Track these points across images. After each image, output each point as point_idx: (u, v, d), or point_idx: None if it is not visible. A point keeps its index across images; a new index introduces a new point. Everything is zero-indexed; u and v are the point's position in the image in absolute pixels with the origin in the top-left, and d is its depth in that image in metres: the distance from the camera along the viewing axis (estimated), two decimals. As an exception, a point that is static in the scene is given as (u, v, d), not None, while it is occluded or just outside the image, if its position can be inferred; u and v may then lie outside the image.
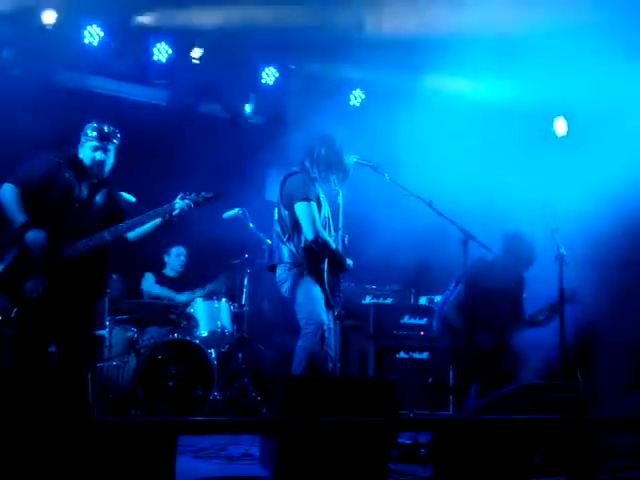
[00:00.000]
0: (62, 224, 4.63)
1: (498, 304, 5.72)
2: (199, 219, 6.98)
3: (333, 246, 4.96)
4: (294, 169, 5.10)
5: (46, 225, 4.57)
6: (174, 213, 4.84)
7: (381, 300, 6.95)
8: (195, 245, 7.36)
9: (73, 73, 7.18)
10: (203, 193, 4.98)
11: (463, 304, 5.42)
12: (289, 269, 4.92)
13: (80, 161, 4.80)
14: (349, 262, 5.06)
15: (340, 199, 5.14)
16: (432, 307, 6.71)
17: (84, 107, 4.94)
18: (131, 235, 4.87)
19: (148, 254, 6.86)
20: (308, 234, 4.85)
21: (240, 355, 6.80)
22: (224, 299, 6.78)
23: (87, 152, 4.78)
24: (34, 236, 4.51)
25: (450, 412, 6.26)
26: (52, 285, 4.55)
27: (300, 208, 4.89)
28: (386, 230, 6.96)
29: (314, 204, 4.90)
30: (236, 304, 6.91)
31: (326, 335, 4.80)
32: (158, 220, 4.85)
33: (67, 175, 4.71)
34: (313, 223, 4.85)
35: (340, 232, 5.12)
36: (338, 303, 5.08)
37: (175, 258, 7.29)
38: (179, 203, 4.86)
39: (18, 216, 4.55)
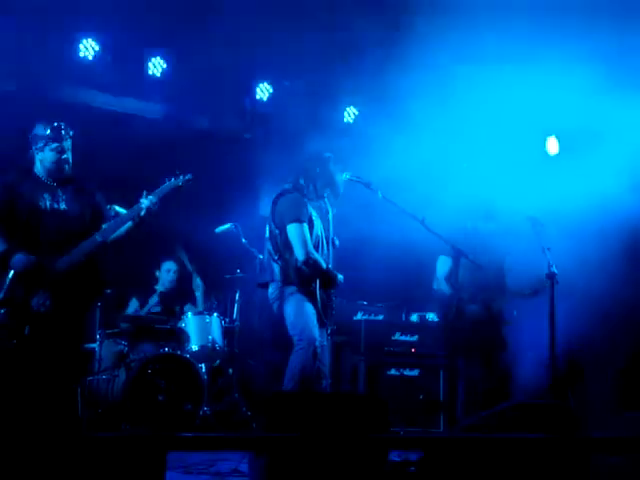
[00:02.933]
0: (42, 238, 4.58)
1: (482, 277, 5.68)
2: (192, 233, 7.03)
3: (324, 266, 4.98)
4: (286, 187, 5.12)
5: (28, 246, 4.53)
6: (141, 214, 4.72)
7: (372, 317, 6.94)
8: (187, 259, 7.32)
9: (68, 87, 7.20)
10: (181, 177, 4.88)
11: (449, 277, 5.50)
12: (281, 287, 4.94)
13: (32, 170, 4.72)
14: (340, 278, 5.07)
15: (330, 216, 5.15)
16: (423, 324, 6.72)
17: (78, 121, 4.88)
18: (109, 239, 4.78)
19: (137, 269, 6.88)
20: (299, 255, 4.88)
21: (231, 370, 6.79)
22: (215, 314, 6.76)
23: (49, 155, 4.65)
24: (16, 261, 4.48)
25: (440, 430, 6.24)
26: (54, 299, 4.54)
27: (292, 229, 4.92)
28: (378, 247, 7.00)
29: (305, 225, 4.93)
30: (227, 319, 6.89)
31: (318, 351, 4.81)
32: (130, 223, 4.77)
33: (25, 190, 4.62)
34: (304, 245, 4.88)
35: (331, 245, 5.12)
36: (331, 319, 5.10)
37: (165, 274, 7.23)
38: (144, 202, 4.74)
39: None
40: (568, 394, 5.61)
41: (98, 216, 4.83)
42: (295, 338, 4.85)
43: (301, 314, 4.87)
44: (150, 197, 4.76)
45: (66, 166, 4.71)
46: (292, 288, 4.92)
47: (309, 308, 4.89)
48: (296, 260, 4.89)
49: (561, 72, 6.48)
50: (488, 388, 5.86)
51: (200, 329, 6.64)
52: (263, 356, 7.27)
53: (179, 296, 7.21)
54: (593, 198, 6.62)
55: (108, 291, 5.89)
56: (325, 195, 5.12)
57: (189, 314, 6.70)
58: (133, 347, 6.45)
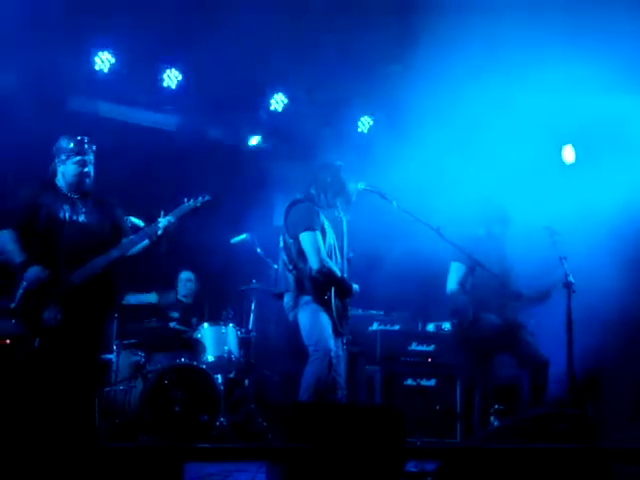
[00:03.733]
0: (60, 250, 4.62)
1: (496, 284, 5.65)
2: (207, 244, 7.05)
3: (339, 274, 4.97)
4: (298, 197, 5.13)
5: (45, 257, 4.58)
6: (159, 233, 4.78)
7: (388, 327, 6.91)
8: (203, 270, 7.38)
9: (84, 99, 7.25)
10: (200, 198, 4.95)
11: (462, 283, 5.55)
12: (296, 297, 4.94)
13: (54, 182, 4.78)
14: (355, 288, 5.07)
15: (344, 225, 5.14)
16: (440, 334, 6.69)
17: (94, 133, 4.93)
18: (127, 254, 4.83)
19: (157, 276, 6.91)
20: (313, 264, 4.87)
21: (247, 381, 6.79)
22: (231, 324, 6.78)
23: (72, 168, 4.73)
24: (31, 274, 4.52)
25: (457, 440, 6.21)
26: (67, 312, 4.57)
27: (305, 238, 4.92)
28: (393, 257, 6.99)
29: (318, 234, 4.92)
30: (243, 329, 6.90)
31: (334, 362, 4.79)
32: (146, 241, 4.82)
33: (45, 201, 4.69)
34: (318, 253, 4.87)
35: (345, 258, 5.11)
36: (346, 329, 5.08)
37: (182, 284, 7.29)
38: (162, 222, 4.81)
39: (16, 257, 4.57)
40: (586, 404, 5.56)
41: (117, 230, 4.89)
42: (310, 348, 4.84)
43: (316, 324, 4.85)
44: (168, 217, 4.83)
45: (87, 179, 4.79)
46: (307, 298, 4.91)
47: (324, 318, 4.87)
48: (310, 269, 4.89)
49: (577, 79, 6.45)
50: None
51: (216, 340, 6.64)
52: (279, 366, 7.26)
53: (196, 307, 7.23)
54: (610, 207, 6.60)
55: (123, 302, 5.95)
56: (337, 204, 5.12)
57: (205, 325, 6.71)
58: (150, 358, 6.46)
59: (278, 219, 7.70)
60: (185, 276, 7.29)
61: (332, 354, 4.78)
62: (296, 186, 5.34)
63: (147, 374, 6.20)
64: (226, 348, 6.62)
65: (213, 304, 7.32)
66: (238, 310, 7.10)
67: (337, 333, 4.95)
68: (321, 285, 4.89)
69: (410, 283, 7.31)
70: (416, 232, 5.66)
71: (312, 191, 5.11)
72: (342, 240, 5.13)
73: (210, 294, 7.43)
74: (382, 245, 6.99)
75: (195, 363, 6.36)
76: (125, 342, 6.45)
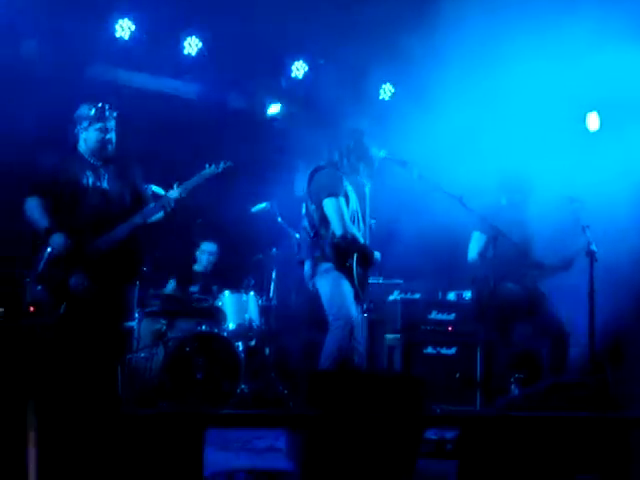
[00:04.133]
0: (83, 218, 4.68)
1: (517, 253, 5.63)
2: (228, 213, 7.06)
3: (361, 241, 4.97)
4: (321, 164, 5.12)
5: (70, 223, 4.64)
6: (171, 204, 4.81)
7: (409, 295, 6.92)
8: (224, 239, 7.39)
9: (104, 67, 7.24)
10: (222, 163, 4.98)
11: (483, 253, 5.53)
12: (317, 264, 4.94)
13: (76, 149, 4.81)
14: (377, 255, 5.06)
15: (367, 191, 5.12)
16: (460, 302, 6.68)
17: (114, 101, 4.94)
18: (148, 221, 4.87)
19: (176, 249, 6.92)
20: (337, 230, 4.87)
21: (267, 349, 6.83)
22: (252, 292, 6.81)
23: (94, 135, 4.77)
24: (55, 241, 4.59)
25: (477, 408, 6.22)
26: (92, 279, 4.63)
27: (328, 204, 4.91)
28: (414, 226, 6.94)
29: (342, 199, 4.91)
30: (264, 297, 6.93)
31: (354, 329, 4.80)
32: (161, 213, 4.86)
33: (69, 168, 4.74)
34: (341, 219, 4.86)
35: (368, 224, 5.11)
36: (366, 297, 5.09)
37: (204, 255, 7.29)
38: (172, 194, 4.84)
39: (41, 223, 4.64)
40: (607, 372, 5.54)
41: (138, 197, 4.94)
42: (331, 317, 4.85)
43: (338, 292, 4.85)
44: (179, 189, 4.85)
45: (109, 146, 4.82)
46: (328, 265, 4.91)
47: (346, 285, 4.87)
48: (333, 235, 4.88)
49: (603, 44, 6.34)
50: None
51: (237, 308, 6.68)
52: (299, 334, 7.30)
53: (217, 276, 7.22)
54: (634, 175, 6.52)
55: (144, 269, 5.99)
56: (360, 170, 5.11)
57: (226, 293, 6.73)
58: (171, 325, 6.50)
59: (299, 187, 7.75)
60: (207, 247, 7.31)
61: (353, 322, 4.79)
62: (317, 154, 5.32)
63: (168, 341, 6.23)
64: (247, 316, 6.65)
65: (234, 272, 7.31)
66: (259, 279, 7.11)
67: (358, 300, 4.95)
68: (343, 252, 4.89)
69: (431, 252, 7.29)
70: (437, 202, 5.64)
71: (335, 157, 5.10)
72: (364, 206, 5.11)
73: (231, 263, 7.44)
74: (403, 214, 6.94)
75: (216, 331, 6.39)
76: (147, 310, 6.50)
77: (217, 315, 6.69)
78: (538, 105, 7.27)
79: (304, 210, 5.09)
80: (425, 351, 6.41)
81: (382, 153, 5.14)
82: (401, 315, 6.49)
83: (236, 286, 6.97)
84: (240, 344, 6.50)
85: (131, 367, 6.24)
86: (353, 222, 4.98)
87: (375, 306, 6.19)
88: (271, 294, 6.93)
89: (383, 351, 6.59)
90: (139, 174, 5.01)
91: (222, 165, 5.00)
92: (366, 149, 5.10)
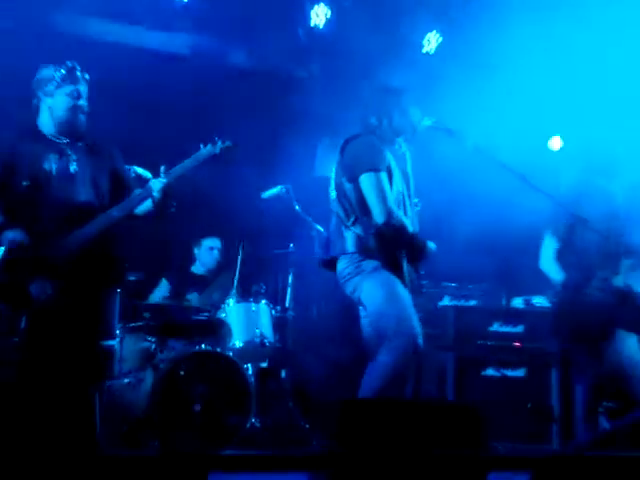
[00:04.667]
0: (46, 210, 4.66)
1: (603, 247, 5.61)
2: (232, 200, 7.07)
3: (410, 229, 4.94)
4: (356, 131, 5.09)
5: (30, 218, 4.62)
6: (156, 195, 4.75)
7: (463, 302, 6.97)
8: (227, 234, 7.46)
9: (71, 16, 7.22)
10: (219, 142, 4.91)
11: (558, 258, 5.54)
12: (358, 261, 4.89)
13: (36, 125, 4.77)
14: (430, 246, 5.03)
15: (409, 167, 5.14)
16: (530, 311, 6.66)
17: (84, 60, 4.91)
18: (133, 213, 4.85)
19: (169, 245, 6.95)
20: (378, 215, 4.83)
21: (284, 372, 6.87)
22: (264, 301, 6.82)
23: (62, 101, 4.71)
24: (10, 238, 4.57)
25: (554, 446, 6.21)
26: (59, 286, 4.61)
27: (366, 181, 4.87)
28: (469, 213, 7.00)
29: (384, 175, 4.88)
30: (279, 307, 6.94)
31: (420, 349, 4.75)
32: (149, 202, 4.83)
33: (26, 149, 4.69)
34: (384, 200, 4.83)
35: (414, 207, 5.13)
36: (417, 302, 5.03)
37: (207, 252, 7.40)
38: (155, 185, 4.77)
39: None
40: None
41: (117, 183, 4.92)
42: (389, 332, 4.76)
43: (393, 298, 4.80)
44: (166, 175, 4.79)
45: (81, 116, 4.76)
46: (374, 263, 4.86)
47: (401, 289, 4.83)
48: (376, 222, 4.85)
49: None
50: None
51: (245, 320, 6.70)
52: (325, 354, 7.34)
53: (219, 280, 7.33)
54: None
55: (132, 278, 6.01)
56: (398, 141, 5.11)
57: (231, 302, 6.76)
58: (162, 344, 6.50)
59: (321, 168, 7.75)
60: (209, 243, 7.40)
61: (419, 339, 4.74)
62: (344, 124, 5.33)
63: (159, 364, 6.21)
64: (257, 331, 6.66)
65: (240, 276, 7.28)
66: (272, 283, 7.21)
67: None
68: (392, 244, 4.86)
69: (490, 246, 7.36)
70: (498, 183, 5.63)
71: (372, 121, 5.08)
72: (408, 185, 5.11)
73: (236, 263, 7.45)
74: (454, 199, 6.96)
75: (219, 350, 6.40)
76: (131, 325, 6.50)
77: (220, 330, 6.70)
78: (622, 70, 7.21)
79: (334, 193, 5.07)
80: (485, 373, 6.44)
81: (427, 120, 5.14)
82: (454, 327, 6.53)
83: (244, 293, 6.97)
84: (249, 366, 6.52)
85: (112, 397, 6.16)
86: (399, 205, 4.96)
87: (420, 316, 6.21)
88: (287, 303, 6.96)
89: (430, 373, 6.60)
90: (118, 154, 4.98)
91: (220, 145, 4.93)
92: (408, 112, 5.10)
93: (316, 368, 7.32)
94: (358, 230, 4.90)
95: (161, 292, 7.17)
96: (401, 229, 4.85)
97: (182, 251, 7.43)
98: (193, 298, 7.16)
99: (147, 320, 6.58)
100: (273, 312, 6.85)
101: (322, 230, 6.32)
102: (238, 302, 6.77)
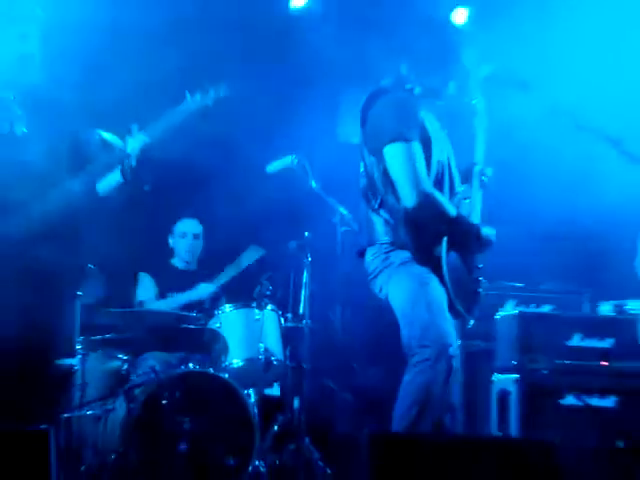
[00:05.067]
0: None
1: None
2: (226, 175, 7.03)
3: (452, 212, 4.97)
4: (383, 84, 5.12)
5: None
6: (131, 161, 4.87)
7: (533, 308, 6.97)
8: (220, 219, 7.48)
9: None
10: (211, 91, 4.99)
11: None
12: (386, 252, 4.99)
13: None
14: (486, 233, 5.10)
15: (480, 121, 5.19)
16: (622, 320, 6.61)
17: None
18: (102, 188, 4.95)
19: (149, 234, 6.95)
20: (406, 197, 4.88)
21: (296, 400, 6.89)
22: (270, 306, 6.88)
23: None
24: None
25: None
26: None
27: (391, 153, 4.91)
28: (542, 191, 7.07)
29: (416, 145, 4.91)
30: (290, 314, 7.07)
31: (454, 365, 4.83)
32: (118, 175, 4.96)
33: None
34: (414, 178, 4.87)
35: (470, 181, 5.21)
36: (473, 309, 5.14)
37: (180, 240, 7.48)
38: (132, 144, 4.88)
39: None
40: None
41: (76, 150, 4.95)
42: (413, 342, 4.86)
43: (422, 299, 4.89)
44: (142, 135, 4.87)
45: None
46: (404, 254, 4.95)
47: (436, 289, 4.92)
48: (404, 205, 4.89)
49: None
50: None
51: (246, 332, 6.76)
52: (350, 376, 7.38)
53: (210, 278, 7.35)
54: None
55: (91, 266, 5.96)
56: (447, 93, 5.15)
57: (227, 307, 6.81)
58: (137, 363, 6.54)
59: (345, 131, 7.70)
60: (182, 227, 7.45)
61: (451, 351, 4.81)
62: (372, 71, 5.35)
63: (132, 389, 6.22)
64: (262, 346, 6.68)
65: (240, 273, 7.36)
66: (281, 283, 7.17)
67: (453, 314, 4.98)
68: (426, 232, 4.93)
69: (570, 235, 7.47)
70: (581, 152, 5.55)
71: (403, 71, 5.12)
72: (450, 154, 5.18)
73: (234, 257, 7.49)
74: (521, 172, 7.01)
75: (212, 371, 6.44)
76: (95, 338, 6.47)
77: (212, 345, 6.73)
78: None
79: (362, 166, 5.12)
80: (562, 401, 6.32)
81: (486, 68, 5.14)
82: (520, 340, 6.43)
83: (244, 296, 7.04)
84: (252, 392, 6.61)
85: (72, 432, 6.24)
86: (442, 183, 5.05)
87: (477, 326, 6.15)
88: (301, 309, 6.94)
89: (489, 400, 6.59)
90: (77, 111, 5.00)
91: (213, 95, 4.95)
92: (457, 54, 5.12)
93: (339, 394, 7.39)
94: (386, 215, 5.01)
95: (146, 292, 7.27)
96: (438, 213, 4.94)
97: (160, 240, 7.50)
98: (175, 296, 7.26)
99: (117, 331, 6.56)
100: (283, 321, 6.94)
101: (347, 214, 6.28)
102: (237, 308, 6.82)
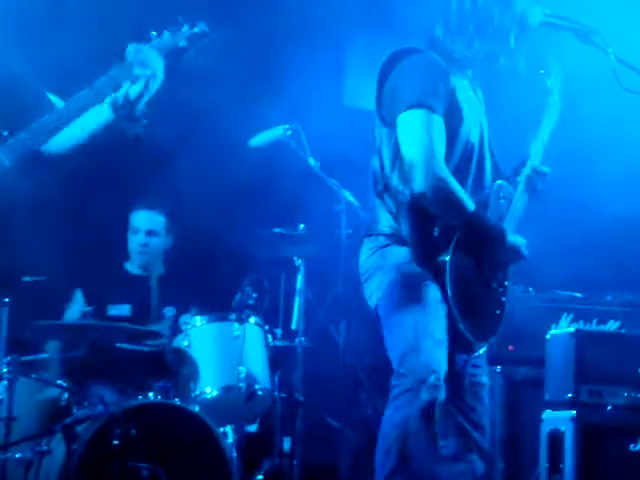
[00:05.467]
0: None
1: None
2: (195, 151, 7.02)
3: (470, 208, 4.99)
4: (410, 45, 5.14)
5: None
6: (121, 95, 4.73)
7: (594, 325, 6.96)
8: (189, 209, 7.50)
9: None
10: (185, 27, 4.90)
11: None
12: (382, 248, 5.08)
13: None
14: (513, 241, 5.12)
15: (553, 106, 5.33)
16: None
17: None
18: (54, 147, 4.85)
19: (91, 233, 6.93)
20: (414, 178, 4.88)
21: (288, 440, 6.98)
22: (253, 319, 6.89)
23: None
24: None
25: None
26: None
27: (407, 122, 4.94)
28: (606, 183, 7.07)
29: (437, 118, 4.93)
30: (279, 330, 7.17)
31: (440, 398, 4.84)
32: (106, 109, 4.78)
33: None
34: (428, 156, 4.88)
35: (513, 172, 5.33)
36: (487, 333, 5.12)
37: (132, 238, 7.52)
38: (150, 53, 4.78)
39: None
40: None
41: (17, 102, 4.86)
42: (394, 363, 4.95)
43: (412, 316, 4.94)
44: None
45: None
46: (401, 251, 5.03)
47: (431, 304, 4.94)
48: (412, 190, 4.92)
49: None
50: None
51: (222, 352, 6.82)
52: (356, 409, 7.44)
53: (176, 284, 7.44)
54: None
55: (26, 279, 5.91)
56: (494, 56, 5.18)
57: (198, 320, 6.86)
58: (80, 391, 6.48)
59: (353, 94, 7.67)
60: (139, 221, 7.49)
61: (432, 381, 4.83)
62: (389, 21, 5.28)
63: (74, 426, 6.16)
64: (243, 370, 6.68)
65: (214, 278, 7.38)
66: (269, 290, 7.11)
67: (461, 339, 4.97)
68: (432, 226, 5.00)
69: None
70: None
71: (438, 32, 5.17)
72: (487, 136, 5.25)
73: (207, 256, 7.63)
74: (578, 158, 7.08)
75: (178, 402, 6.47)
76: (26, 358, 6.52)
77: (179, 368, 6.79)
78: None
79: (378, 140, 5.14)
80: (633, 447, 6.37)
81: (538, 12, 5.17)
82: (577, 367, 6.48)
83: (219, 306, 7.10)
84: (229, 430, 6.68)
85: None
86: (465, 169, 5.11)
87: (520, 345, 6.44)
88: (294, 323, 7.01)
89: (537, 441, 6.64)
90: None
91: (186, 31, 4.88)
92: (502, 13, 5.14)
93: (342, 433, 7.38)
94: (389, 201, 5.12)
95: (78, 306, 7.26)
96: (451, 203, 4.97)
97: (109, 240, 7.53)
98: (121, 311, 7.29)
99: (54, 351, 6.53)
100: (270, 338, 6.98)
101: (354, 201, 6.28)
102: (211, 321, 6.88)
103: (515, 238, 5.10)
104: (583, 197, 7.20)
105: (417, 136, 4.90)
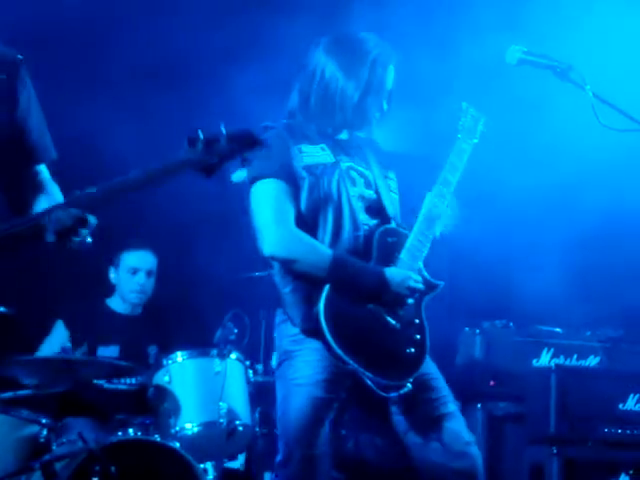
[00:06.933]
0: None
1: None
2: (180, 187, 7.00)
3: (327, 254, 5.11)
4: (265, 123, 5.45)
5: None
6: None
7: (574, 361, 6.99)
8: (170, 247, 7.58)
9: None
10: None
11: None
12: (280, 324, 5.33)
13: None
14: (393, 276, 5.13)
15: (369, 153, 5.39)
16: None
17: None
18: None
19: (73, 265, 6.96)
20: (264, 244, 5.17)
21: (271, 475, 7.03)
22: (234, 355, 6.96)
23: None
24: None
25: None
26: None
27: (252, 195, 5.29)
28: (586, 205, 7.08)
29: (278, 183, 5.21)
30: (260, 365, 7.31)
31: (318, 468, 5.06)
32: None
33: None
34: (272, 219, 5.17)
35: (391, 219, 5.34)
36: (402, 374, 5.08)
37: (129, 278, 7.48)
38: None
39: None
40: None
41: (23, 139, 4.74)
42: (281, 442, 5.19)
43: (289, 388, 5.19)
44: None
45: None
46: (282, 318, 5.29)
47: (301, 365, 5.13)
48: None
49: None
50: None
51: (203, 388, 6.84)
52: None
53: (157, 321, 7.52)
54: None
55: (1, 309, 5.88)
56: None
57: (179, 356, 6.87)
58: (60, 428, 6.34)
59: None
60: (131, 261, 7.51)
61: (301, 454, 5.07)
62: None
63: (53, 463, 6.05)
64: (224, 406, 6.71)
65: (195, 314, 7.38)
66: (250, 325, 7.19)
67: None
68: (299, 286, 5.18)
69: (620, 264, 7.34)
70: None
71: (295, 110, 5.44)
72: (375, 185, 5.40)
73: (188, 293, 7.68)
74: (560, 187, 7.11)
75: (158, 438, 6.43)
76: (4, 395, 6.38)
77: (160, 404, 6.79)
78: None
79: None
80: None
81: (516, 50, 5.23)
82: (558, 402, 6.48)
83: (200, 341, 7.12)
84: (209, 467, 6.70)
85: None
86: (324, 218, 5.24)
87: (500, 382, 6.48)
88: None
89: (519, 477, 6.74)
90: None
91: None
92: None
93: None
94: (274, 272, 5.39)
95: (58, 339, 7.19)
96: (304, 256, 5.16)
97: (91, 273, 7.49)
98: (111, 352, 7.20)
99: (33, 387, 6.47)
100: (251, 374, 7.05)
101: None
102: (191, 357, 6.90)
103: (397, 273, 5.12)
104: (564, 235, 7.19)
105: (262, 206, 5.23)
